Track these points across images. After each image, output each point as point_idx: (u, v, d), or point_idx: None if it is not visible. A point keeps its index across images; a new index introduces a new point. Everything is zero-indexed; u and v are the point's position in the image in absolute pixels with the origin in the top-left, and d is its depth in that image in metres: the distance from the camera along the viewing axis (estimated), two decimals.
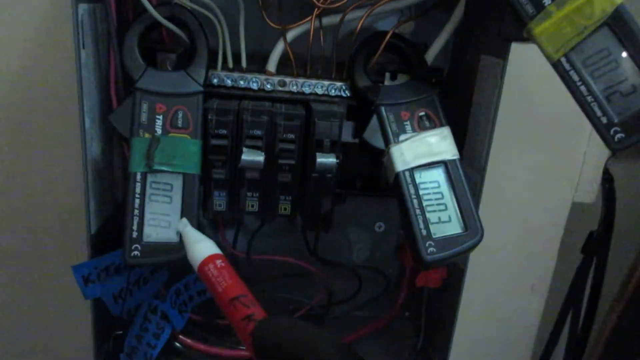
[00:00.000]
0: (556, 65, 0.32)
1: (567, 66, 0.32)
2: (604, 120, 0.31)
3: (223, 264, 0.33)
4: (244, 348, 0.47)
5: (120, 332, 0.42)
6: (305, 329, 0.28)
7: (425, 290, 0.48)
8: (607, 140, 0.31)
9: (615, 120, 0.31)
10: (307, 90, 0.41)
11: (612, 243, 0.54)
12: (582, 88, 0.32)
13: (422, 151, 0.37)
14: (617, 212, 0.57)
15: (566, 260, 0.55)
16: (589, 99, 0.32)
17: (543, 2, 0.31)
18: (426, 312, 0.48)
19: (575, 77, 0.32)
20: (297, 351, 0.27)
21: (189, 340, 0.47)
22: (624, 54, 0.31)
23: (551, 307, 0.57)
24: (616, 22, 0.30)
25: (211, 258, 0.34)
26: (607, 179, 0.59)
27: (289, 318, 0.29)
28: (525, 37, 0.33)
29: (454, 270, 0.45)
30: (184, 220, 0.35)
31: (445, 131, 0.38)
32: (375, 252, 0.53)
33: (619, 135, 0.31)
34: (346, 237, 0.52)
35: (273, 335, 0.28)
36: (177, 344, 0.47)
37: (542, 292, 0.56)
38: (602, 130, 0.31)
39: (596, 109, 0.31)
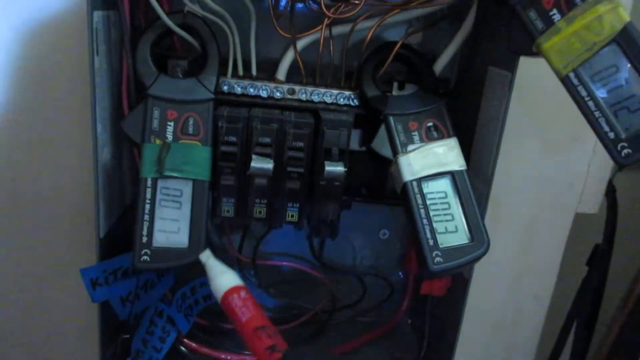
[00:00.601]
0: (564, 81, 0.32)
1: (575, 81, 0.32)
2: (612, 135, 0.32)
3: (247, 295, 0.35)
4: (249, 353, 0.47)
5: (127, 335, 0.42)
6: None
7: (429, 297, 0.48)
8: (614, 155, 0.32)
9: (623, 136, 0.31)
10: (316, 98, 0.41)
11: (615, 253, 0.55)
12: (590, 103, 0.32)
13: (430, 162, 0.38)
14: (620, 223, 0.57)
15: (569, 270, 0.56)
16: (597, 114, 0.32)
17: (553, 17, 0.32)
18: (430, 319, 0.48)
19: (584, 93, 0.32)
20: None
21: (194, 344, 0.48)
22: (632, 71, 0.31)
23: (553, 316, 0.58)
24: (624, 39, 0.31)
25: (235, 289, 0.35)
26: (610, 189, 0.60)
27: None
28: (534, 52, 0.33)
29: (458, 279, 0.46)
30: (207, 251, 0.36)
31: (453, 142, 0.39)
32: (379, 259, 0.54)
33: (626, 151, 0.31)
34: (351, 244, 0.53)
35: None
36: (183, 348, 0.48)
37: (544, 301, 0.56)
38: (609, 145, 0.32)
39: (604, 124, 0.32)
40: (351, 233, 0.52)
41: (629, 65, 0.31)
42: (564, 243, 0.54)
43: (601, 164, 0.52)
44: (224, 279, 0.35)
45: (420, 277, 0.50)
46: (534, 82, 0.43)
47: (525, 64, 0.36)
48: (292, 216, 0.42)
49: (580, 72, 0.32)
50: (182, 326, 0.45)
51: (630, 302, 0.49)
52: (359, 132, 0.44)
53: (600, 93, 0.32)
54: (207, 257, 0.36)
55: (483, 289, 0.55)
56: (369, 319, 0.55)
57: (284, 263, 0.50)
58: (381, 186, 0.50)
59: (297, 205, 0.42)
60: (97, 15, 0.35)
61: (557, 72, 0.33)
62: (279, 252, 0.51)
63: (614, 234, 0.61)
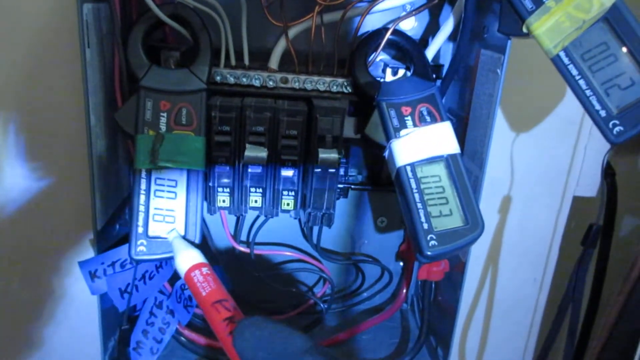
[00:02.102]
0: (555, 60, 0.33)
1: (566, 60, 0.32)
2: (603, 113, 0.32)
3: (208, 272, 0.35)
4: None
5: (127, 326, 0.43)
6: (282, 325, 0.31)
7: (428, 283, 0.48)
8: (606, 133, 0.32)
9: (614, 114, 0.32)
10: (309, 86, 0.41)
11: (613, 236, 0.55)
12: (581, 82, 0.32)
13: (423, 146, 0.38)
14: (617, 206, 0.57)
15: (569, 253, 0.56)
16: (588, 92, 0.32)
17: None
18: (429, 305, 0.48)
19: (574, 71, 0.32)
20: (277, 342, 0.29)
21: (194, 335, 0.48)
22: (622, 48, 0.31)
23: (555, 300, 0.58)
24: (614, 17, 0.31)
25: (198, 265, 0.35)
26: (610, 173, 0.60)
27: (265, 317, 0.31)
28: (525, 33, 0.33)
29: (456, 264, 0.46)
30: (174, 231, 0.36)
31: (446, 126, 0.38)
32: (377, 246, 0.54)
33: (617, 128, 0.32)
34: (349, 232, 0.53)
35: (254, 330, 0.30)
36: (182, 338, 0.48)
37: (544, 285, 0.56)
38: (601, 123, 0.32)
39: (595, 102, 0.32)
40: (349, 221, 0.53)
41: (619, 42, 0.31)
42: (562, 226, 0.54)
43: (598, 146, 0.52)
44: (187, 256, 0.36)
45: (418, 263, 0.50)
46: (527, 64, 0.43)
47: (518, 45, 0.36)
48: (288, 204, 0.42)
49: (570, 51, 0.32)
50: (182, 317, 0.45)
51: (628, 285, 0.49)
52: (355, 119, 0.44)
53: (591, 71, 0.32)
54: (173, 237, 0.36)
55: (481, 273, 0.55)
56: (368, 306, 0.55)
57: (282, 252, 0.50)
58: (378, 173, 0.50)
59: (293, 193, 0.42)
60: (87, 7, 0.35)
61: (547, 52, 0.33)
62: (276, 241, 0.51)
63: (614, 217, 0.61)
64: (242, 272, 0.49)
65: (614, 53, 0.31)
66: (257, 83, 0.41)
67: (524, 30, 0.33)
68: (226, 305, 0.33)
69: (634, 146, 0.64)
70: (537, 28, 0.32)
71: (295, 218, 0.45)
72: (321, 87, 0.42)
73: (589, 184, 0.54)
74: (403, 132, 0.38)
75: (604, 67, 0.31)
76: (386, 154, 0.39)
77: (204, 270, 0.35)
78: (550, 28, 0.32)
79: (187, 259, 0.35)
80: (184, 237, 0.37)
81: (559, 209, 0.53)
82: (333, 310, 0.54)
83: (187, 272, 0.35)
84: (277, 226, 0.49)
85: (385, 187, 0.49)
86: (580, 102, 0.32)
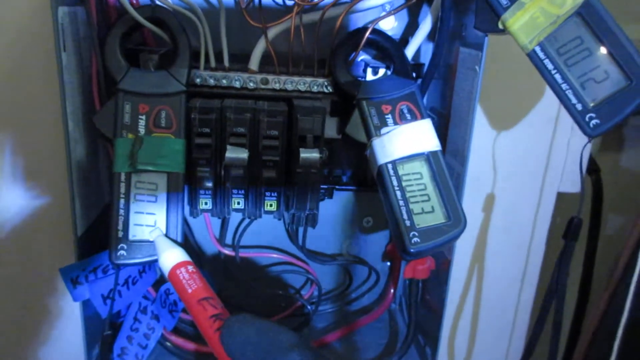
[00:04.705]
0: (531, 55, 0.33)
1: (541, 55, 0.32)
2: (579, 107, 0.32)
3: (194, 270, 0.35)
4: None
5: (110, 332, 0.42)
6: (269, 322, 0.31)
7: (414, 282, 0.48)
8: (582, 126, 0.32)
9: (590, 107, 0.32)
10: (289, 87, 0.41)
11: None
12: (557, 76, 0.32)
13: (404, 143, 0.38)
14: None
15: (555, 249, 0.56)
16: (564, 86, 0.32)
17: None
18: (416, 303, 0.48)
19: (550, 66, 0.32)
20: (265, 338, 0.29)
21: (179, 340, 0.48)
22: (596, 42, 0.31)
23: (542, 296, 0.58)
24: (587, 11, 0.31)
25: (183, 263, 0.35)
26: (594, 169, 0.60)
27: (252, 314, 0.31)
28: (501, 29, 0.33)
29: (441, 261, 0.46)
30: (157, 230, 0.36)
31: (427, 123, 0.39)
32: (364, 246, 0.54)
33: (594, 122, 0.32)
34: (335, 233, 0.53)
35: (241, 327, 0.30)
36: (168, 344, 0.48)
37: (531, 281, 0.56)
38: (578, 117, 0.32)
39: (571, 96, 0.32)
40: (334, 221, 0.52)
41: (592, 36, 0.31)
42: (547, 222, 0.54)
43: (582, 142, 0.52)
44: (172, 254, 0.35)
45: (404, 262, 0.50)
46: (507, 60, 0.43)
47: (496, 42, 0.36)
48: (271, 205, 0.42)
49: (545, 46, 0.32)
50: (167, 322, 0.45)
51: (613, 281, 0.50)
52: (337, 119, 0.44)
53: (567, 65, 0.32)
54: (156, 235, 0.36)
55: (467, 271, 0.55)
56: (356, 307, 0.55)
57: (268, 255, 0.50)
58: (363, 173, 0.50)
59: (275, 194, 0.42)
60: (63, 10, 0.35)
61: (523, 47, 0.33)
62: (262, 244, 0.51)
63: (600, 213, 0.61)
64: (228, 276, 0.49)
65: (588, 47, 0.31)
66: (237, 84, 0.41)
67: (500, 26, 0.33)
68: (212, 303, 0.33)
69: (617, 143, 0.65)
70: (513, 24, 0.32)
71: (279, 219, 0.45)
72: (302, 88, 0.42)
73: (573, 180, 0.54)
74: (384, 130, 0.38)
75: (579, 61, 0.32)
76: (368, 152, 0.39)
77: (190, 268, 0.35)
78: (525, 24, 0.32)
79: (172, 256, 0.35)
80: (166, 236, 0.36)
81: (543, 204, 0.54)
82: (321, 312, 0.54)
83: (172, 269, 0.35)
84: (262, 229, 0.49)
85: (370, 186, 0.49)
86: (557, 96, 0.32)
